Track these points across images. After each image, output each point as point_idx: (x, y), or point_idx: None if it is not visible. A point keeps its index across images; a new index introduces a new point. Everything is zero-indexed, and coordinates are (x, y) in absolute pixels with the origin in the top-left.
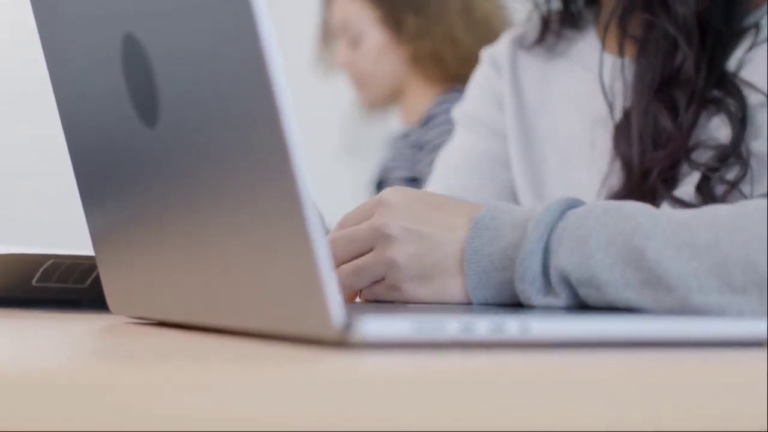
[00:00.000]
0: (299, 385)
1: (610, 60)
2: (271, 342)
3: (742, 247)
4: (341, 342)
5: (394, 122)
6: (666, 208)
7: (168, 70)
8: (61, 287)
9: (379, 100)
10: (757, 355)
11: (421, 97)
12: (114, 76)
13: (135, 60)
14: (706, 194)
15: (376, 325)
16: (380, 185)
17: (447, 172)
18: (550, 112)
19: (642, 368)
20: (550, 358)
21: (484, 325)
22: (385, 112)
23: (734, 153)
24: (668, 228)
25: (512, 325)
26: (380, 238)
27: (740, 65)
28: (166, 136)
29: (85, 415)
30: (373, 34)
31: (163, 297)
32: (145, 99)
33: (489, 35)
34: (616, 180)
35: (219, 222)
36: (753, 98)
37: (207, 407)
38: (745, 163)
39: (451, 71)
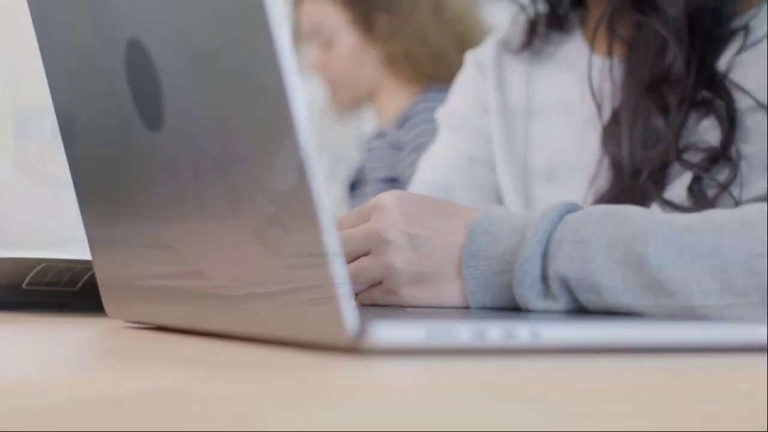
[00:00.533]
0: (313, 392)
1: (599, 61)
2: (281, 348)
3: (743, 252)
4: (354, 348)
5: (366, 123)
6: (656, 210)
7: (173, 74)
8: (52, 290)
9: (353, 101)
10: (757, 361)
11: (395, 97)
12: (116, 79)
13: (139, 64)
14: (698, 195)
15: (388, 332)
16: (355, 186)
17: (430, 173)
18: (536, 115)
19: (646, 373)
20: (559, 363)
21: (495, 332)
22: (357, 113)
23: (724, 155)
24: (669, 232)
25: (523, 331)
26: (378, 242)
27: (729, 68)
28: (170, 140)
29: (93, 424)
30: (345, 35)
31: (162, 301)
32: (149, 103)
33: (462, 34)
34: (604, 181)
35: (226, 227)
36: (742, 102)
37: (219, 417)
38: (734, 166)
39: (425, 71)
